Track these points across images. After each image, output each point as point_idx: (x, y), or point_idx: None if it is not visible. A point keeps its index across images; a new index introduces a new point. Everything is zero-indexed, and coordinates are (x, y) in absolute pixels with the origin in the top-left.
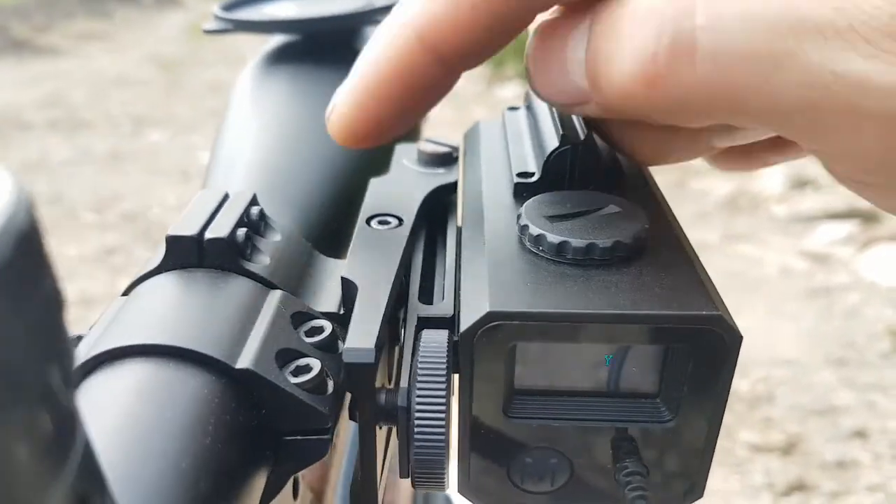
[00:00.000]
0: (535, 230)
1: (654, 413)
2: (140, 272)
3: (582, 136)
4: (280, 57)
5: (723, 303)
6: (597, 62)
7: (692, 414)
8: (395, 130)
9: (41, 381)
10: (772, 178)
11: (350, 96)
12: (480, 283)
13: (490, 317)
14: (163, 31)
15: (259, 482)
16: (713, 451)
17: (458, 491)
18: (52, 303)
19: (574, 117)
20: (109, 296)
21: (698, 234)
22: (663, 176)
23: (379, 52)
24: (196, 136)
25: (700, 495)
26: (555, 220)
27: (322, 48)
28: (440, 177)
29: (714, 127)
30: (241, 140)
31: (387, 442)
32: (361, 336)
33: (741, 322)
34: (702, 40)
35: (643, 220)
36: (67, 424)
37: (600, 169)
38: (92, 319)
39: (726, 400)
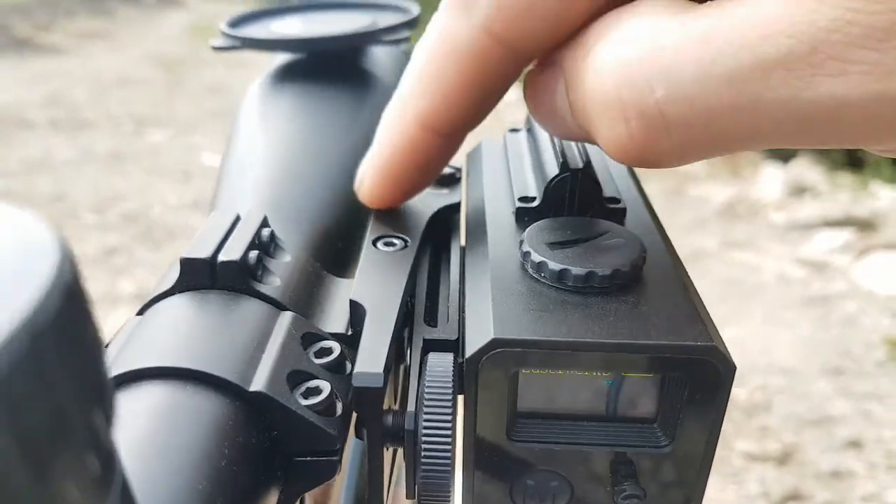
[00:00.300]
0: (536, 257)
1: (651, 438)
2: (154, 292)
3: (581, 164)
4: (287, 75)
5: (717, 332)
6: (582, 120)
7: (688, 439)
8: (418, 189)
9: (89, 424)
10: (770, 184)
11: (375, 172)
12: (485, 309)
13: (495, 343)
14: (164, 30)
15: (271, 502)
16: (708, 475)
17: None
18: (95, 348)
19: (574, 143)
20: (111, 296)
21: (696, 241)
22: (662, 183)
23: (392, 137)
24: (197, 137)
25: None
26: (555, 247)
27: (328, 66)
28: (444, 197)
29: None
30: (249, 160)
31: (392, 459)
32: (370, 360)
33: (739, 330)
34: (669, 113)
35: (641, 249)
36: (110, 462)
37: (599, 195)
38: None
39: (721, 426)
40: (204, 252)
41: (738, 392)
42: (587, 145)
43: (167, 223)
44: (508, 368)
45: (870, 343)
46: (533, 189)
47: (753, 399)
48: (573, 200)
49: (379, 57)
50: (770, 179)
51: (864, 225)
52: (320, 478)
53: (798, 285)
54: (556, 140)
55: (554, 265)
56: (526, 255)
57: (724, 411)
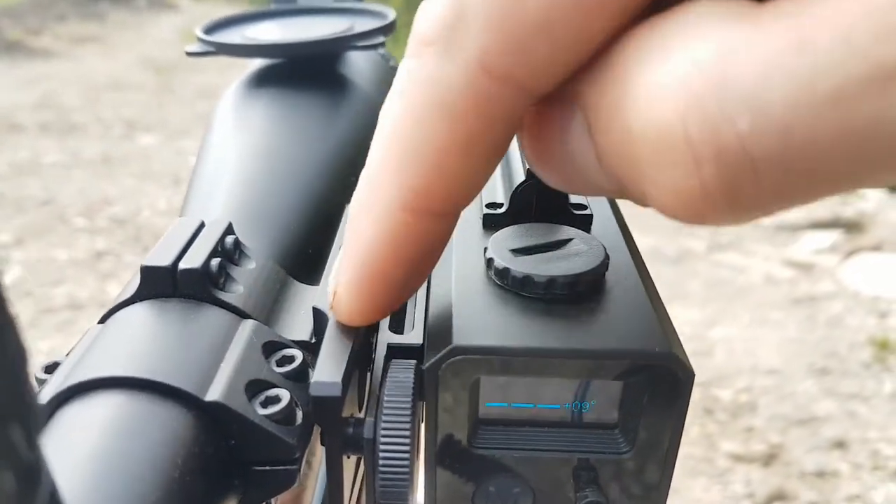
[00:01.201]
0: (500, 264)
1: (612, 444)
2: (116, 300)
3: None
4: (261, 81)
5: (677, 339)
6: (620, 169)
7: (649, 445)
8: (410, 292)
9: (4, 439)
10: None
11: (352, 282)
12: (446, 316)
13: (455, 351)
14: (156, 34)
15: None
16: (670, 481)
17: None
18: (14, 360)
19: None
20: (98, 301)
21: (684, 244)
22: None
23: (368, 232)
24: (187, 141)
25: None
26: (519, 253)
27: (304, 72)
28: None
29: None
30: (220, 166)
31: (357, 466)
32: (328, 369)
33: (725, 331)
34: (757, 151)
35: (604, 256)
36: (30, 478)
37: (566, 202)
38: (81, 325)
39: (681, 432)
40: (165, 260)
41: (724, 393)
42: None
43: (156, 227)
44: (469, 376)
45: (855, 343)
46: (501, 196)
47: (739, 400)
48: (540, 207)
49: (356, 62)
50: None
51: (852, 226)
52: (280, 487)
53: (785, 286)
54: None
55: (516, 272)
56: (489, 261)
57: (685, 417)
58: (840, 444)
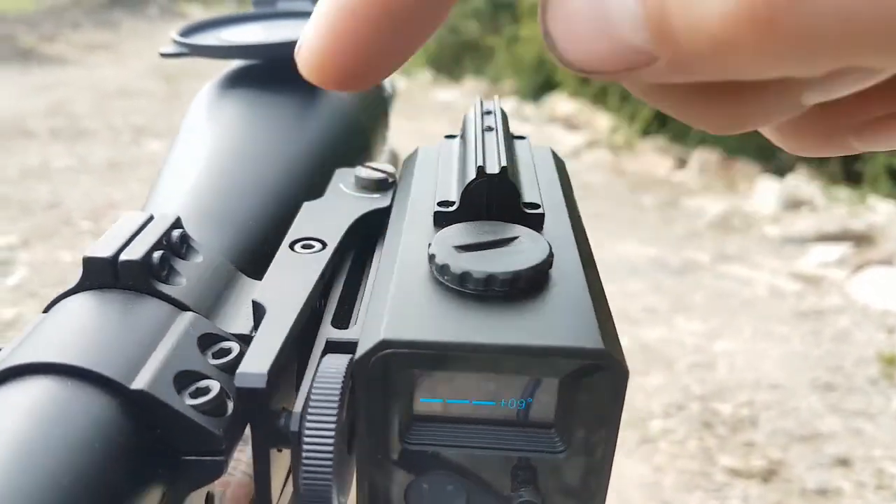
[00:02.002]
0: (441, 259)
1: (548, 444)
2: (63, 291)
3: (498, 169)
4: (234, 81)
5: (615, 337)
6: (666, 9)
7: (585, 446)
8: (382, 64)
9: None
10: (765, 198)
11: (323, 23)
12: (382, 310)
13: (384, 344)
14: (167, 42)
15: (151, 499)
16: (608, 482)
17: None
18: None
19: (498, 146)
20: None
21: (689, 255)
22: (656, 196)
23: None
24: None
25: None
26: (462, 250)
27: (277, 74)
28: (374, 201)
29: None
30: (184, 163)
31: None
32: (256, 360)
33: (729, 344)
34: None
35: (547, 253)
36: None
37: (517, 200)
38: None
39: (617, 433)
40: (107, 251)
41: (724, 407)
42: (515, 148)
43: None
44: (400, 370)
45: (862, 358)
46: (454, 193)
47: (739, 414)
48: (490, 205)
49: None
50: (765, 193)
51: (861, 239)
52: (207, 477)
53: (791, 299)
54: (480, 145)
55: (456, 268)
56: (432, 257)
57: (620, 417)
58: (843, 462)
